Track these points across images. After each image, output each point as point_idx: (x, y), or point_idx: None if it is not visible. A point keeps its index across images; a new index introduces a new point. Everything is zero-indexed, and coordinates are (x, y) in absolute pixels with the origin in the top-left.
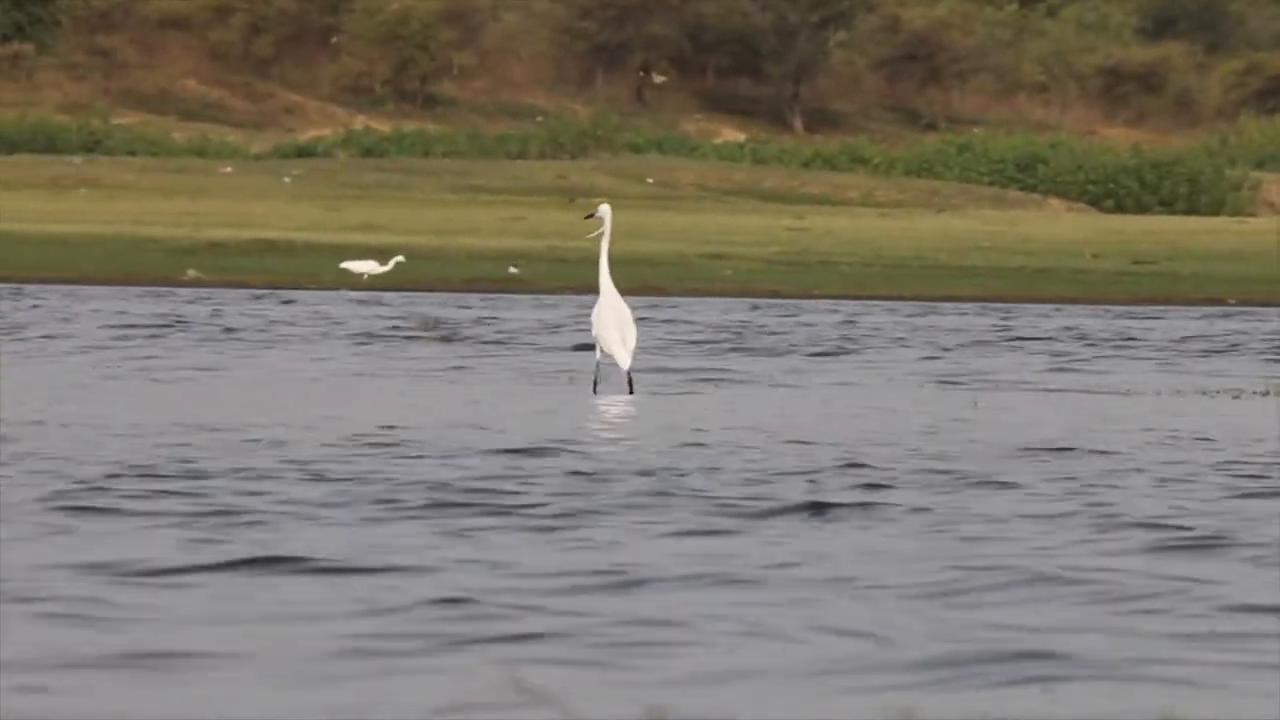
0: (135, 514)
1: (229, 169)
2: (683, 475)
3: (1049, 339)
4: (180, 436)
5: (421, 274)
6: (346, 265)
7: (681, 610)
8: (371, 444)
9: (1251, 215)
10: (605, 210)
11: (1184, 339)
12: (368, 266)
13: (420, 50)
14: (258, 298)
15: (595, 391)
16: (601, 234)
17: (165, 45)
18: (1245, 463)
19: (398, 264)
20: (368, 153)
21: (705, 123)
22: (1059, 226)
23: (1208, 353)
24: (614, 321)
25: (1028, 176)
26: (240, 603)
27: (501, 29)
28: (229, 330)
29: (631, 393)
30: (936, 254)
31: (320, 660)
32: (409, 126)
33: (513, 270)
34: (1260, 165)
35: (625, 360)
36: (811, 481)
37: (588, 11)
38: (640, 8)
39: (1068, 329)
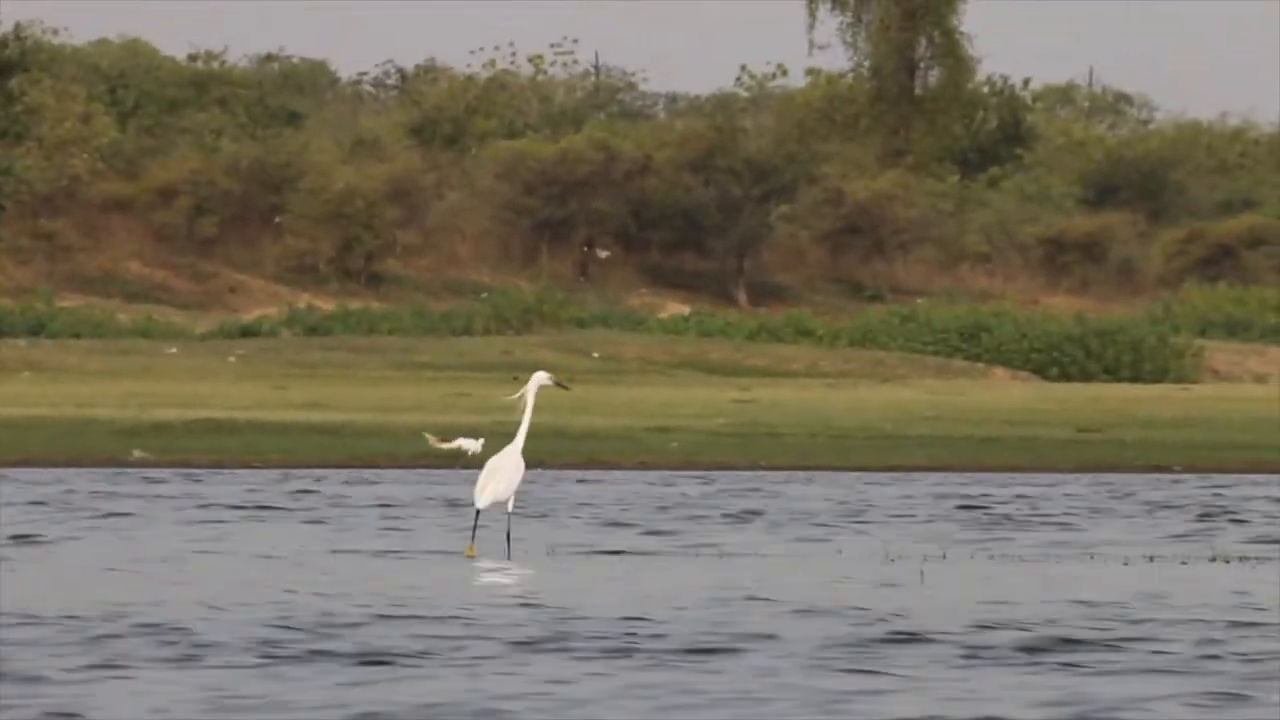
0: None
1: (174, 350)
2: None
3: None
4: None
5: (367, 451)
6: (460, 442)
7: None
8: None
9: (1195, 382)
10: (541, 377)
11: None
12: (474, 446)
13: (365, 229)
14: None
15: (509, 557)
16: (524, 398)
17: (109, 228)
18: None
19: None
20: (312, 331)
21: (650, 297)
22: (1004, 395)
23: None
24: (489, 469)
25: (972, 346)
26: None
27: (445, 207)
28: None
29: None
30: (882, 424)
31: None
32: (354, 304)
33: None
34: (1203, 333)
35: (478, 501)
36: None
37: (531, 188)
38: (583, 184)
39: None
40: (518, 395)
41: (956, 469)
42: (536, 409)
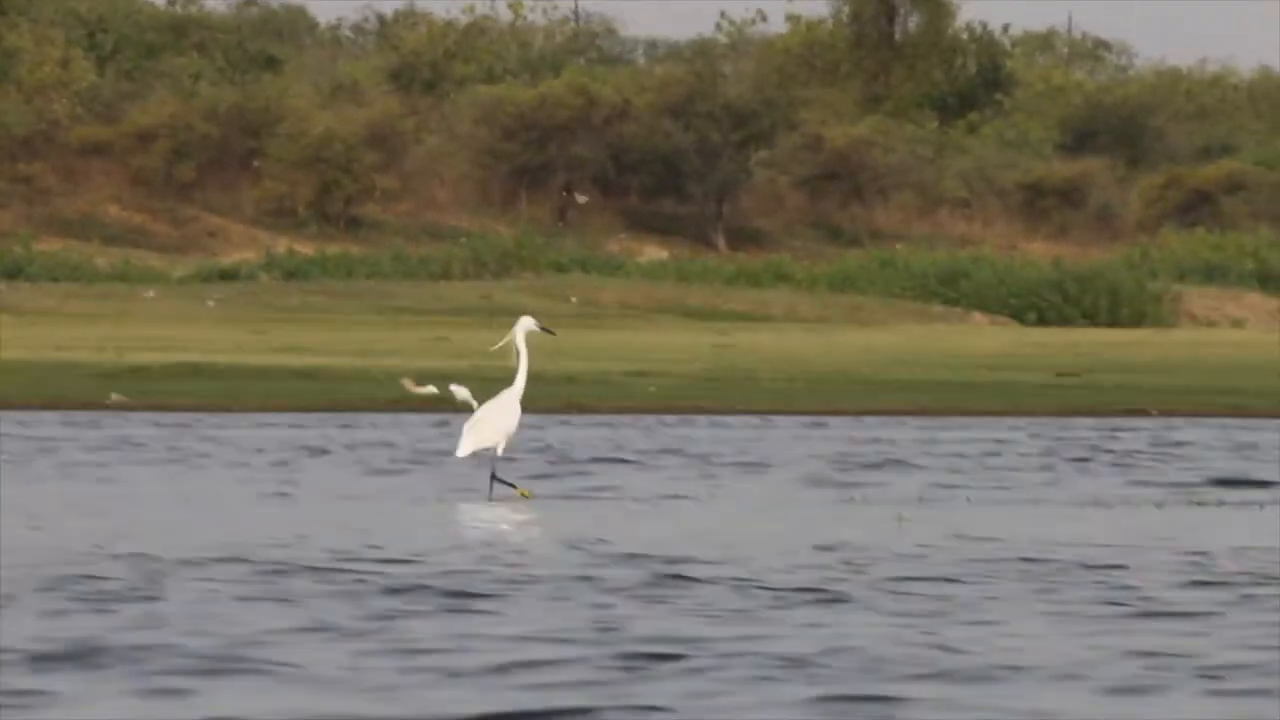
0: None
1: (152, 293)
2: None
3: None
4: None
5: (345, 395)
6: (455, 389)
7: None
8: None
9: (1172, 327)
10: (527, 322)
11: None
12: (464, 393)
13: (343, 173)
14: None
15: (490, 497)
16: (514, 345)
17: (87, 172)
18: None
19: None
20: (291, 275)
21: (629, 241)
22: (982, 340)
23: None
24: (475, 418)
25: (950, 291)
26: None
27: (424, 152)
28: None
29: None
30: (860, 368)
31: None
32: (332, 249)
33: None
34: (1181, 278)
35: (459, 450)
36: None
37: (510, 133)
38: (563, 129)
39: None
40: (502, 343)
41: (934, 414)
42: (518, 354)
